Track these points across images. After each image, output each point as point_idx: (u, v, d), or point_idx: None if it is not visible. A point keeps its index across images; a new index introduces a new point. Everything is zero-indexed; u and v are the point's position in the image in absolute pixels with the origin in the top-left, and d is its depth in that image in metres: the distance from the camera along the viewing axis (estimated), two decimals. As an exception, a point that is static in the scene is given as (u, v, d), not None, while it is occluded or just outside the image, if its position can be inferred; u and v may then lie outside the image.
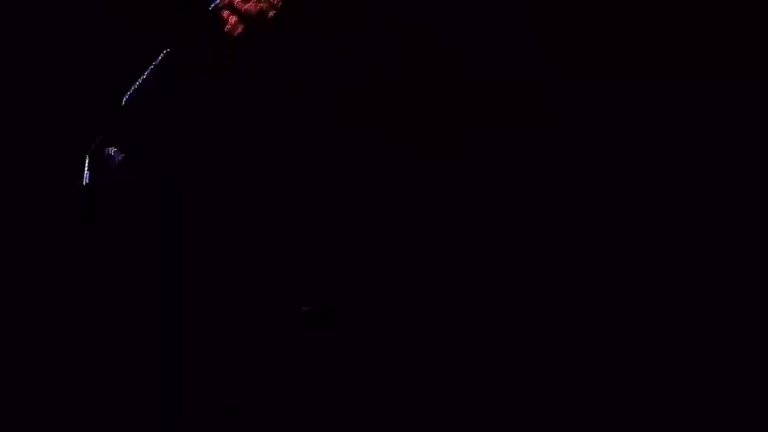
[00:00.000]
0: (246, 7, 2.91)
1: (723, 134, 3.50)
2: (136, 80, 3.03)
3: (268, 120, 3.34)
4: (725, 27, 3.50)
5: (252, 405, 3.29)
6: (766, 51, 3.46)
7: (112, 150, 2.75)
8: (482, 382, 3.29)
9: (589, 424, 3.25)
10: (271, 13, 2.92)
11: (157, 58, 2.98)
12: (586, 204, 3.50)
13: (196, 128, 3.14)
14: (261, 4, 2.95)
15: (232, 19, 2.96)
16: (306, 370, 3.31)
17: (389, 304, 3.42)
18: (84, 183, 2.87)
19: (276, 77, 3.32)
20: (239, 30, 2.91)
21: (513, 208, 3.51)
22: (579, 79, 3.54)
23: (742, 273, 3.44)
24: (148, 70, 2.97)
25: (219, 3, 2.96)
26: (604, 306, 3.42)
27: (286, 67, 3.34)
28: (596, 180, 3.55)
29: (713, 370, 3.24)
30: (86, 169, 2.90)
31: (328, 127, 3.40)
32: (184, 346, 3.33)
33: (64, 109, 3.27)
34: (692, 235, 3.49)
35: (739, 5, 3.51)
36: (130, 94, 2.94)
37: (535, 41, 3.50)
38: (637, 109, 3.54)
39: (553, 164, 3.51)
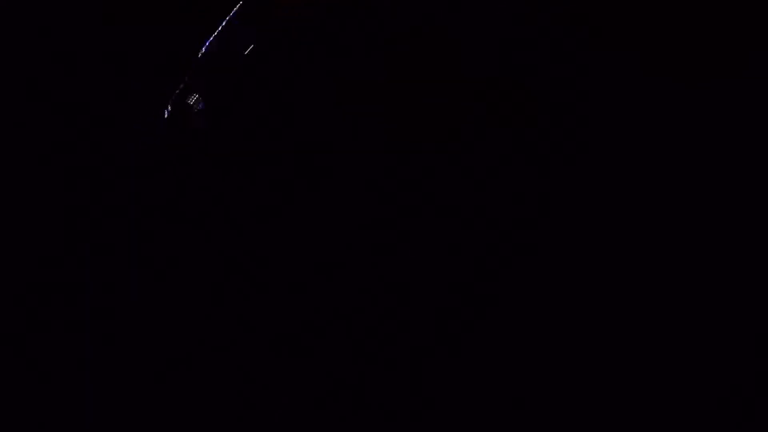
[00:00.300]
0: None
1: (724, 134, 3.50)
2: (212, 33, 3.06)
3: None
4: (724, 26, 3.50)
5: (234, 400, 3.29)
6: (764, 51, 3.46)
7: (192, 99, 2.78)
8: (482, 381, 3.29)
9: (584, 423, 3.25)
10: None
11: (232, 11, 2.99)
12: (584, 201, 3.51)
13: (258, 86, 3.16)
14: None
15: None
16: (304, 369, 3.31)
17: (384, 303, 3.41)
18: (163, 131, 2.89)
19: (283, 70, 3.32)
20: None
21: (511, 205, 3.51)
22: (579, 77, 3.55)
23: (743, 273, 3.44)
24: (224, 23, 2.99)
25: None
26: (604, 304, 3.42)
27: (287, 62, 3.34)
28: (597, 178, 3.55)
29: (712, 370, 3.24)
30: (166, 116, 2.92)
31: (327, 122, 3.40)
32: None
33: (145, 60, 3.30)
34: (693, 235, 3.49)
35: (739, 5, 3.51)
36: (207, 46, 2.96)
37: (536, 38, 3.50)
38: (637, 106, 3.54)
39: (552, 162, 3.51)
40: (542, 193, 3.41)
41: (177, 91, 2.67)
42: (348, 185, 3.40)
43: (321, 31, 3.37)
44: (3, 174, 3.45)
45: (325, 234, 3.40)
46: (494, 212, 3.43)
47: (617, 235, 3.43)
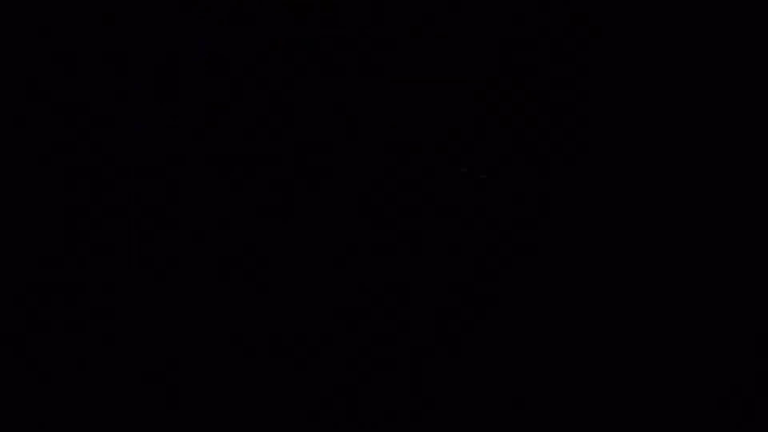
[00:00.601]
0: None
1: (724, 133, 3.49)
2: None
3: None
4: (724, 26, 3.49)
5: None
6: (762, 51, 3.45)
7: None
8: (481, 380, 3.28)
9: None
10: None
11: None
12: (584, 201, 3.48)
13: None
14: None
15: None
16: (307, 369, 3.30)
17: (384, 302, 3.40)
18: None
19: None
20: None
21: (511, 204, 3.48)
22: (579, 77, 3.53)
23: (742, 271, 3.42)
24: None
25: None
26: (603, 303, 3.39)
27: (289, 62, 3.34)
28: (596, 177, 3.52)
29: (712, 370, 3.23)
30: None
31: (328, 120, 3.39)
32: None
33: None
34: (693, 233, 3.47)
35: (739, 5, 3.50)
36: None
37: (536, 38, 3.48)
38: (637, 106, 3.52)
39: (552, 162, 3.49)
40: (542, 193, 3.39)
41: None
42: (348, 185, 3.38)
43: (321, 32, 3.36)
44: (3, 174, 3.44)
45: (325, 234, 3.38)
46: (494, 212, 3.41)
47: (617, 234, 3.41)
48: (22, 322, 3.26)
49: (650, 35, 3.40)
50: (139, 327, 3.21)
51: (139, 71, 3.43)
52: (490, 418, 3.27)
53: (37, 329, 3.25)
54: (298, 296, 3.22)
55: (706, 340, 3.27)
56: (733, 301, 3.26)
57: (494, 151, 3.19)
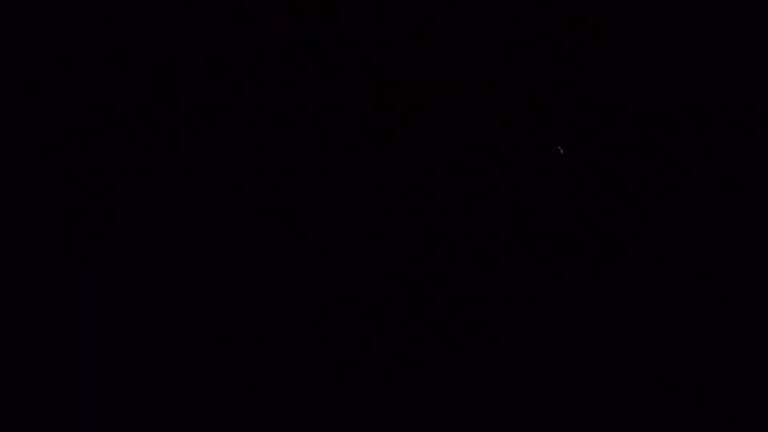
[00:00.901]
0: None
1: (724, 134, 3.51)
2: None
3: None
4: (724, 26, 3.51)
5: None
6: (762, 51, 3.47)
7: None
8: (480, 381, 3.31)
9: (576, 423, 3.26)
10: None
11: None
12: (584, 201, 3.51)
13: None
14: None
15: None
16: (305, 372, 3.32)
17: (385, 303, 3.42)
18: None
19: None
20: None
21: (511, 204, 3.51)
22: (579, 77, 3.55)
23: (742, 272, 3.44)
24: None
25: None
26: (603, 305, 3.42)
27: (289, 62, 3.36)
28: (596, 177, 3.55)
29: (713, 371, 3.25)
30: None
31: (329, 121, 3.41)
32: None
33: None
34: (692, 234, 3.49)
35: (739, 5, 3.52)
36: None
37: (536, 38, 3.50)
38: (637, 107, 3.54)
39: (552, 162, 3.52)
40: (542, 193, 3.41)
41: None
42: (348, 185, 3.40)
43: (321, 32, 3.38)
44: (3, 174, 3.45)
45: (325, 234, 3.40)
46: (494, 211, 3.43)
47: (617, 234, 3.43)
48: (21, 321, 3.30)
49: (650, 35, 3.45)
50: (140, 327, 3.26)
51: (139, 71, 3.48)
52: (491, 419, 3.31)
53: (36, 329, 3.29)
54: (298, 295, 3.27)
55: (709, 341, 3.31)
56: (733, 301, 3.31)
57: (494, 151, 3.23)
